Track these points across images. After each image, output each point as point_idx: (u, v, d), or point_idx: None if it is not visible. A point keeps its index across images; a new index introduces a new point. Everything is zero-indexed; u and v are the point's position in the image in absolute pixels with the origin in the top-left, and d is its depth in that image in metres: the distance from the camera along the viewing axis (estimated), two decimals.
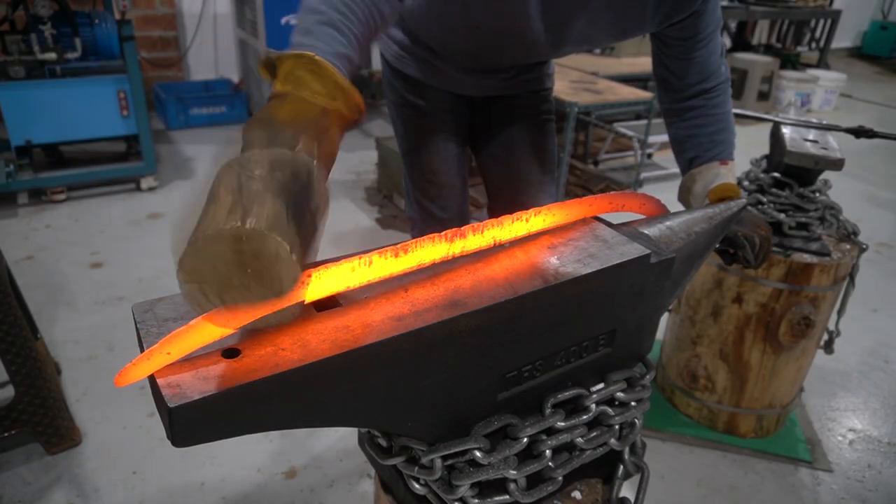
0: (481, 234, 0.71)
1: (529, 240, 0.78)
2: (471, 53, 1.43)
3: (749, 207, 1.18)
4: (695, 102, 1.31)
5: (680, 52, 1.27)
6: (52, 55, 3.13)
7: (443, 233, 0.67)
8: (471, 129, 1.67)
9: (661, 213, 0.95)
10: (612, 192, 0.87)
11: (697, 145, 1.32)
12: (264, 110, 0.68)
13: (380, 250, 0.63)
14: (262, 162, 0.55)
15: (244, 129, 0.66)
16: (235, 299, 0.51)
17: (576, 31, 1.25)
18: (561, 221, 0.80)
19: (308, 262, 0.57)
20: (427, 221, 1.65)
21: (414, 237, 0.67)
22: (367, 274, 0.62)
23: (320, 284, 0.59)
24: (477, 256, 0.72)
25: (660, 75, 1.35)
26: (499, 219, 0.73)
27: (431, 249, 0.67)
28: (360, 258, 0.62)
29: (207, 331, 0.54)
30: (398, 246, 0.64)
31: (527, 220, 0.76)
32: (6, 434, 1.74)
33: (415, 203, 1.67)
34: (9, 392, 1.75)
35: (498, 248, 0.75)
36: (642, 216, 0.95)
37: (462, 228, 0.69)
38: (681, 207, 1.34)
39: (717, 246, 1.22)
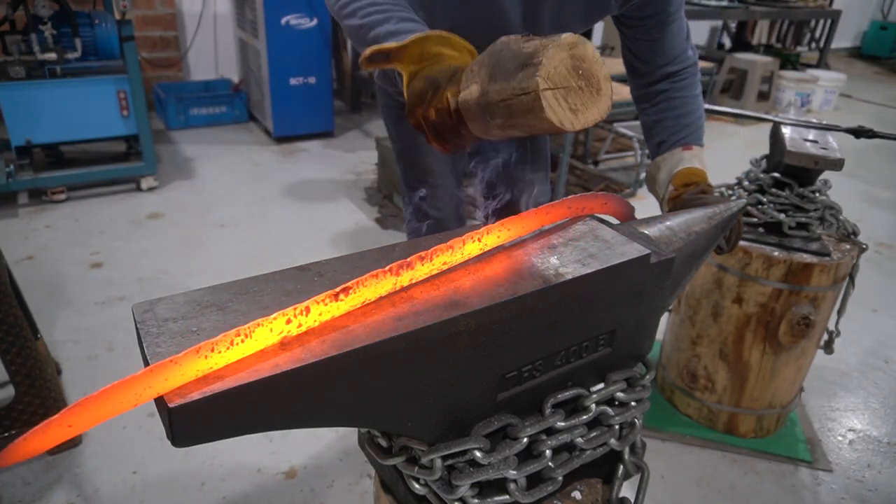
0: (430, 261, 0.67)
1: (529, 240, 0.77)
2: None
3: (740, 201, 1.18)
4: (662, 86, 1.32)
5: (643, 33, 1.27)
6: (52, 55, 3.13)
7: (388, 266, 0.63)
8: None
9: (627, 211, 0.91)
10: (569, 197, 0.82)
11: (664, 129, 1.32)
12: (432, 72, 0.84)
13: (316, 297, 0.58)
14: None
15: (416, 83, 0.85)
16: (575, 101, 0.71)
17: (546, 17, 1.25)
18: (515, 236, 0.76)
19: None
20: (422, 221, 1.67)
21: (409, 236, 0.68)
22: (305, 322, 0.57)
23: (240, 350, 0.53)
24: (476, 256, 0.72)
25: (627, 61, 1.36)
26: (449, 242, 0.69)
27: (376, 286, 0.62)
28: (294, 308, 0.56)
29: (116, 402, 0.48)
30: (338, 289, 0.59)
31: (479, 240, 0.72)
32: (6, 434, 1.74)
33: (409, 204, 1.69)
34: (9, 392, 1.75)
35: (497, 249, 0.74)
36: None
37: (409, 259, 0.65)
38: (655, 205, 1.35)
39: None
